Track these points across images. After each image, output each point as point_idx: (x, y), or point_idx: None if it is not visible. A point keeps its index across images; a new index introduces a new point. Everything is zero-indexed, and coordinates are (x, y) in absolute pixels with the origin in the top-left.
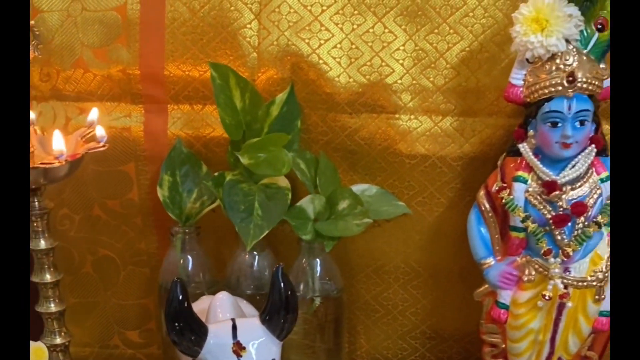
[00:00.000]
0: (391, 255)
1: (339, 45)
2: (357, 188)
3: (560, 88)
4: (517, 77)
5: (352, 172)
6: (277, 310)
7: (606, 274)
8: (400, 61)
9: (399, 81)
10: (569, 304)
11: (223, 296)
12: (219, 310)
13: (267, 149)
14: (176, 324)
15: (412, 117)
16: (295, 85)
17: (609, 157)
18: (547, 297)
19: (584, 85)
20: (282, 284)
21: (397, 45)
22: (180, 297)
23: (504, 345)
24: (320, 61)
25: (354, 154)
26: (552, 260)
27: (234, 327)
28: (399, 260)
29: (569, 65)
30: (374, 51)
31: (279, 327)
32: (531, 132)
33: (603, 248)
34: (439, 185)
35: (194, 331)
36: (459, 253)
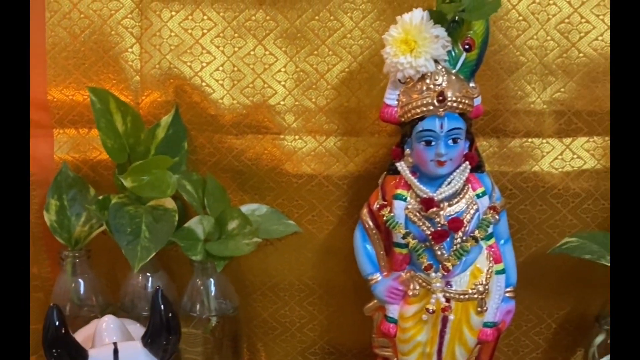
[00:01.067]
0: (285, 273)
1: (221, 68)
2: (247, 208)
3: (431, 107)
4: (391, 97)
5: (242, 192)
6: (159, 332)
7: (486, 287)
8: (282, 82)
9: (282, 102)
10: (451, 317)
11: (109, 320)
12: (105, 334)
13: (150, 172)
14: (54, 351)
15: (297, 137)
16: (180, 108)
17: (485, 173)
18: (430, 311)
19: (454, 104)
20: (162, 306)
21: (279, 67)
22: (57, 324)
23: (395, 359)
24: (203, 83)
25: (242, 175)
26: (433, 274)
27: (116, 352)
28: (293, 278)
29: (438, 85)
30: (256, 73)
31: (161, 350)
32: (408, 151)
33: (483, 261)
34: (327, 204)
35: (73, 357)
36: (350, 269)
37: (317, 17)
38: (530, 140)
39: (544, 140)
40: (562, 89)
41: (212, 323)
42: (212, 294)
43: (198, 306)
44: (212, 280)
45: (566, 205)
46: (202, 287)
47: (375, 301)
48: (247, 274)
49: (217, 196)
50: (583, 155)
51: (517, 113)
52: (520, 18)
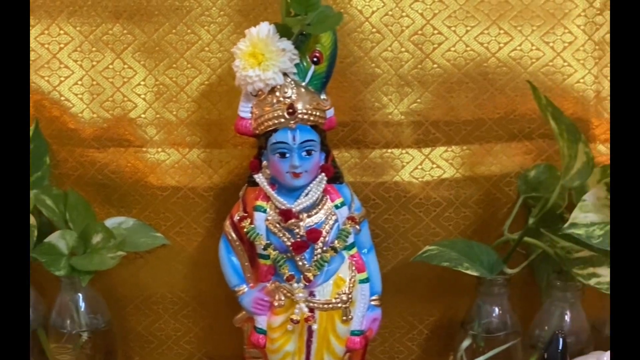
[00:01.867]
0: (157, 286)
1: (79, 82)
2: (113, 221)
3: (282, 120)
4: (245, 110)
5: (108, 205)
6: None
7: (350, 296)
8: (142, 96)
9: (143, 115)
10: (314, 327)
11: None
12: None
13: None
14: None
15: (160, 150)
16: (40, 123)
17: (344, 184)
18: (294, 321)
19: (305, 117)
20: None
21: (138, 80)
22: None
23: None
24: (62, 98)
25: (106, 188)
26: (295, 285)
27: None
28: (165, 291)
29: (288, 98)
30: (115, 87)
31: None
32: (265, 163)
33: (345, 271)
34: (194, 216)
35: None
36: (221, 280)
37: (174, 31)
38: (390, 150)
39: (404, 151)
40: (419, 100)
41: (83, 338)
42: (82, 309)
43: (68, 322)
44: (80, 295)
45: (428, 214)
46: (70, 302)
47: (244, 312)
48: (119, 287)
49: (80, 210)
50: (442, 164)
51: (375, 124)
52: (374, 30)
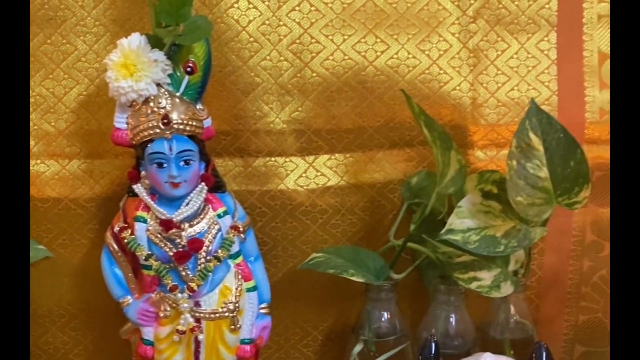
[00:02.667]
0: (43, 299)
1: None
2: None
3: (158, 130)
4: (120, 120)
5: None
6: None
7: (237, 305)
8: None
9: None
10: (201, 337)
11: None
12: None
13: None
14: None
15: (39, 161)
16: None
17: (227, 192)
18: (180, 332)
19: (181, 127)
20: None
21: None
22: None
23: None
24: None
25: None
26: (179, 295)
27: None
28: (51, 304)
29: (162, 108)
30: None
31: None
32: (143, 173)
33: (231, 280)
34: (77, 227)
35: None
36: (108, 291)
37: (49, 41)
38: (273, 159)
39: (287, 159)
40: (300, 108)
41: None
42: None
43: None
44: None
45: (315, 222)
46: None
47: (131, 324)
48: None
49: None
50: (326, 172)
51: (257, 133)
52: (252, 39)
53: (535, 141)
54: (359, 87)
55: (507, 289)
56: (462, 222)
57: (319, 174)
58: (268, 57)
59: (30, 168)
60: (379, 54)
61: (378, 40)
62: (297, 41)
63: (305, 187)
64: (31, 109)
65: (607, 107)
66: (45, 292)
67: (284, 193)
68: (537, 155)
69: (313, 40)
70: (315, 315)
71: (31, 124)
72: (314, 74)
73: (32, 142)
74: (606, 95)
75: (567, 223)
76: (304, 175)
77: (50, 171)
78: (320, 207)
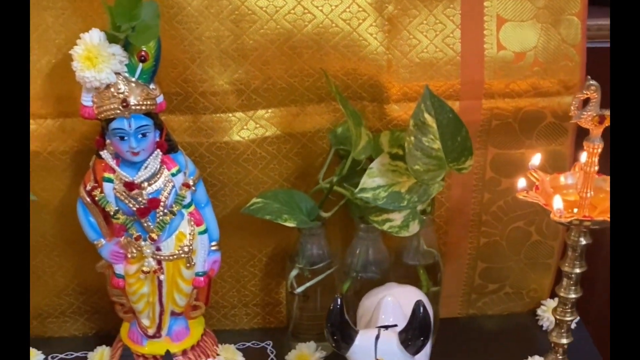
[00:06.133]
0: (31, 234)
1: None
2: None
3: (118, 111)
4: (86, 99)
5: None
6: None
7: (191, 247)
8: None
9: None
10: (162, 277)
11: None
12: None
13: None
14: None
15: None
16: None
17: (179, 152)
18: (145, 272)
19: (137, 107)
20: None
21: None
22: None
23: (129, 304)
24: None
25: None
26: (143, 243)
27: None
28: (38, 237)
29: (121, 93)
30: None
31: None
32: (108, 141)
33: (185, 226)
34: (55, 175)
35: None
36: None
37: None
38: (218, 115)
39: (231, 114)
40: (240, 71)
41: None
42: None
43: None
44: None
45: (256, 167)
46: None
47: (104, 261)
48: None
49: None
50: (264, 124)
51: (204, 94)
52: (197, 13)
53: (429, 119)
54: (290, 52)
55: (414, 227)
56: (373, 181)
57: (258, 126)
58: (212, 28)
59: None
60: (306, 23)
61: (306, 11)
62: (236, 12)
63: (246, 138)
64: None
65: (503, 67)
66: (33, 227)
67: (229, 144)
68: (431, 131)
69: (249, 12)
70: (259, 242)
71: None
72: (252, 41)
73: None
74: (502, 54)
75: None
76: (245, 127)
77: (31, 128)
78: (260, 154)
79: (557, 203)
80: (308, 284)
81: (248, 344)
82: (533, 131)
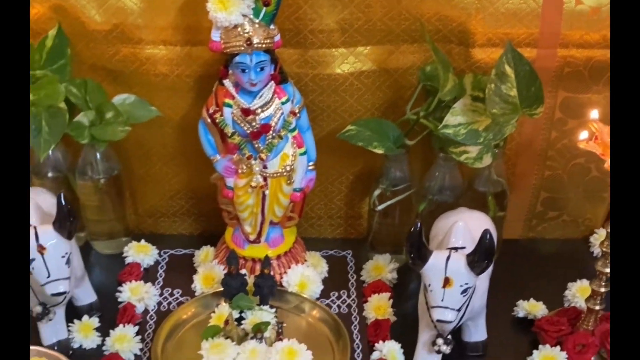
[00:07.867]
0: (153, 144)
1: None
2: (120, 97)
3: (242, 48)
4: (216, 35)
5: (115, 84)
6: (65, 219)
7: (292, 166)
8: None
9: (140, 19)
10: (267, 192)
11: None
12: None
13: (45, 88)
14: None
15: (153, 47)
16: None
17: (289, 82)
18: (253, 186)
19: (259, 46)
20: (64, 204)
21: None
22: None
23: (235, 212)
24: (78, 5)
25: (114, 72)
26: (253, 162)
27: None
28: (159, 147)
29: (247, 33)
30: None
31: (66, 230)
32: (231, 72)
33: (289, 148)
34: (181, 95)
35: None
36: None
37: None
38: (324, 50)
39: (334, 50)
40: (345, 12)
41: (101, 181)
42: (99, 160)
43: (89, 170)
44: (97, 153)
45: (352, 97)
46: (91, 157)
47: (217, 174)
48: (125, 144)
49: (96, 93)
50: (362, 59)
51: (313, 31)
52: None
53: (509, 70)
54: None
55: (487, 160)
56: (455, 119)
57: (357, 60)
58: None
59: (146, 51)
60: None
61: None
62: None
63: (345, 71)
64: (146, 5)
65: (579, 19)
66: (155, 138)
67: (330, 75)
68: (509, 81)
69: None
70: (348, 163)
71: (149, 19)
72: None
73: (147, 32)
74: (579, 8)
75: None
76: (345, 62)
77: (160, 54)
78: (356, 85)
79: (583, 135)
80: (388, 202)
81: (331, 252)
82: (601, 79)
